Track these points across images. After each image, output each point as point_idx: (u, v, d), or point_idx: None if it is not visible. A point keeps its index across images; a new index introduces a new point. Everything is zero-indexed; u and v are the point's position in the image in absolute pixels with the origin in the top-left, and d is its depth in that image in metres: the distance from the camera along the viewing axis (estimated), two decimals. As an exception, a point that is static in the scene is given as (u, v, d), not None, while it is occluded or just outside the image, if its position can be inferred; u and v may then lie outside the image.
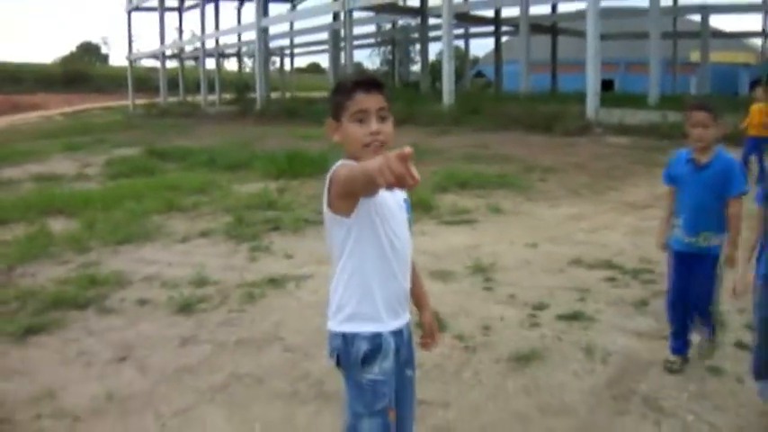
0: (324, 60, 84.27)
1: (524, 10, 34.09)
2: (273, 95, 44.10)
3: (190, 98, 54.90)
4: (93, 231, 9.18)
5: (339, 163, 2.76)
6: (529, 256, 8.01)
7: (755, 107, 13.93)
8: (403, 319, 2.97)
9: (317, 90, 54.67)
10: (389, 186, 2.22)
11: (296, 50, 62.61)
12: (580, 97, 24.58)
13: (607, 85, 27.94)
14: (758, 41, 41.95)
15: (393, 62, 55.91)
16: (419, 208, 9.59)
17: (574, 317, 5.83)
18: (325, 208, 2.81)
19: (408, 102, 26.75)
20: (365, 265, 2.86)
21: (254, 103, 40.58)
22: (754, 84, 39.38)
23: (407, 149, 2.16)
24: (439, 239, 8.62)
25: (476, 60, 64.09)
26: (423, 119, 24.63)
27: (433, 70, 43.35)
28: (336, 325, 2.93)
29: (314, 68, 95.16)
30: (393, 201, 2.88)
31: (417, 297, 3.22)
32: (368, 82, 2.87)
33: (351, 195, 2.67)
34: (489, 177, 13.38)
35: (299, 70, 75.16)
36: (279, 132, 25.83)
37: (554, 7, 40.15)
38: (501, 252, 7.95)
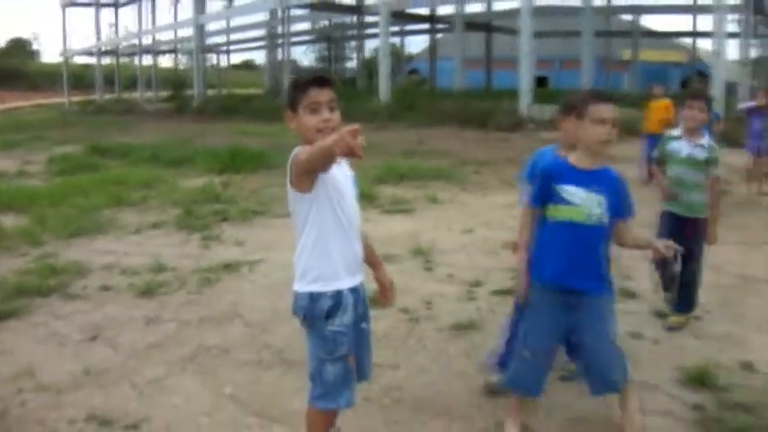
0: (258, 57, 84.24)
1: (459, 8, 34.71)
2: (210, 92, 44.07)
3: (126, 95, 54.52)
4: (45, 226, 9.43)
5: (297, 149, 3.25)
6: (465, 240, 8.63)
7: (655, 104, 14.00)
8: (358, 278, 3.50)
9: (252, 87, 54.70)
10: (343, 155, 2.84)
11: (232, 47, 62.37)
12: (514, 94, 25.25)
13: (541, 82, 28.65)
14: (688, 41, 43.13)
15: (329, 59, 56.13)
16: (361, 199, 10.06)
17: (506, 292, 6.30)
18: (288, 188, 3.30)
19: (345, 98, 26.44)
20: (325, 234, 3.35)
21: (191, 101, 40.61)
22: (685, 82, 40.63)
23: (356, 126, 2.78)
24: (381, 227, 9.12)
25: (410, 57, 64.64)
26: (360, 115, 24.85)
27: (369, 67, 43.79)
28: (303, 286, 3.41)
29: (248, 65, 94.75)
30: (343, 177, 3.41)
31: (370, 258, 3.70)
32: (320, 79, 3.35)
33: (311, 172, 3.16)
34: (426, 170, 14.04)
35: (234, 67, 74.79)
36: (218, 129, 26.13)
37: (488, 5, 40.80)
38: (439, 237, 8.49)
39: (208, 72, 48.05)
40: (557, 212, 3.94)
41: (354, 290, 3.46)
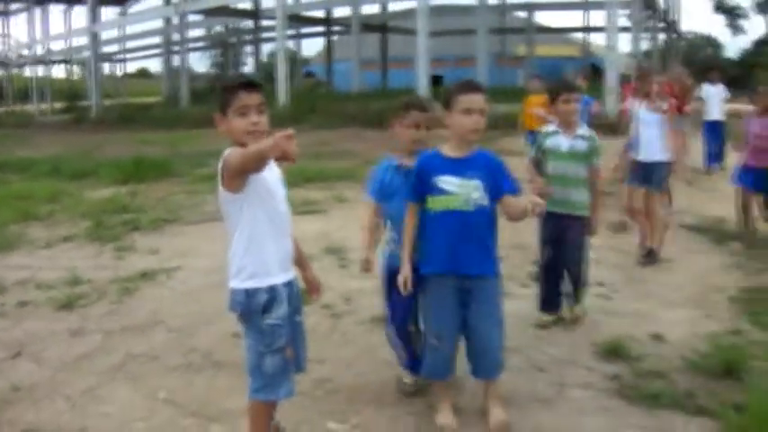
0: (152, 65, 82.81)
1: (356, 10, 34.92)
2: (107, 102, 43.29)
3: (18, 108, 53.02)
4: (-52, 244, 9.20)
5: (228, 151, 3.45)
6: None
7: (533, 99, 12.91)
8: (291, 273, 3.73)
9: (149, 95, 53.84)
10: (278, 159, 3.18)
11: (127, 56, 61.26)
12: (410, 93, 25.55)
13: (436, 81, 29.09)
14: (580, 36, 44.30)
15: (224, 64, 55.73)
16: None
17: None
18: (220, 189, 3.49)
19: None
20: (258, 232, 3.56)
21: (88, 111, 39.78)
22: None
23: (290, 131, 3.03)
24: (294, 228, 9.05)
25: (306, 60, 64.59)
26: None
27: (265, 71, 43.64)
28: (239, 283, 3.58)
29: (143, 74, 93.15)
30: (273, 178, 3.63)
31: (298, 259, 3.93)
32: (249, 83, 3.54)
33: (243, 173, 3.37)
34: (332, 172, 14.24)
35: (130, 76, 73.45)
36: (118, 139, 25.65)
37: (384, 6, 41.11)
38: (350, 235, 8.66)
39: (104, 81, 47.12)
40: (435, 203, 4.12)
41: (288, 284, 3.67)
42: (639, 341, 5.38)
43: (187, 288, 7.03)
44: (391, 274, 4.43)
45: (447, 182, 4.08)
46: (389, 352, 4.82)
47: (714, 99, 15.45)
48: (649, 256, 7.78)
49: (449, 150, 4.18)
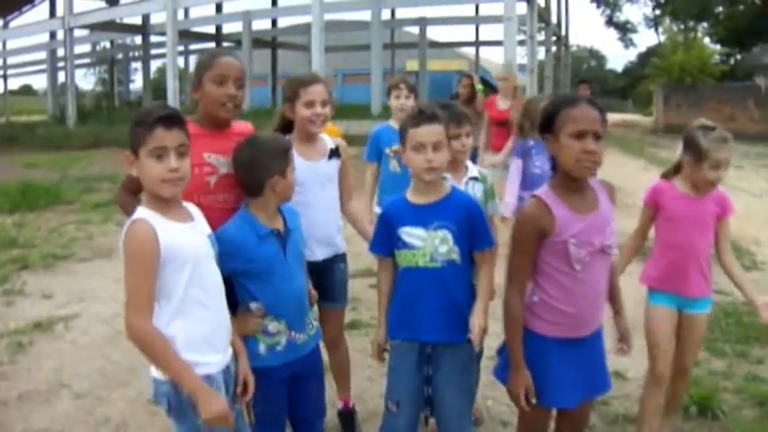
0: (36, 81, 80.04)
1: (247, 25, 34.33)
2: (-14, 121, 41.40)
3: None
4: None
5: (134, 222, 2.87)
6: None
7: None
8: (228, 354, 3.13)
9: (33, 113, 51.83)
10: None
11: (9, 72, 58.81)
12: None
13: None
14: (471, 50, 44.62)
15: (111, 81, 54.11)
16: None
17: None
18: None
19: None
20: (182, 309, 2.93)
21: (-35, 131, 37.86)
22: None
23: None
24: None
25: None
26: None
27: (154, 88, 42.53)
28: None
29: (26, 90, 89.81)
30: (197, 240, 3.03)
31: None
32: (168, 117, 2.92)
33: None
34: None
35: (12, 93, 70.68)
36: (-1, 162, 24.33)
37: (274, 22, 40.63)
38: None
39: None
40: (400, 259, 3.61)
41: (226, 369, 3.08)
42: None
43: (90, 340, 6.30)
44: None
45: (410, 233, 3.55)
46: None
47: None
48: None
49: (413, 194, 3.63)
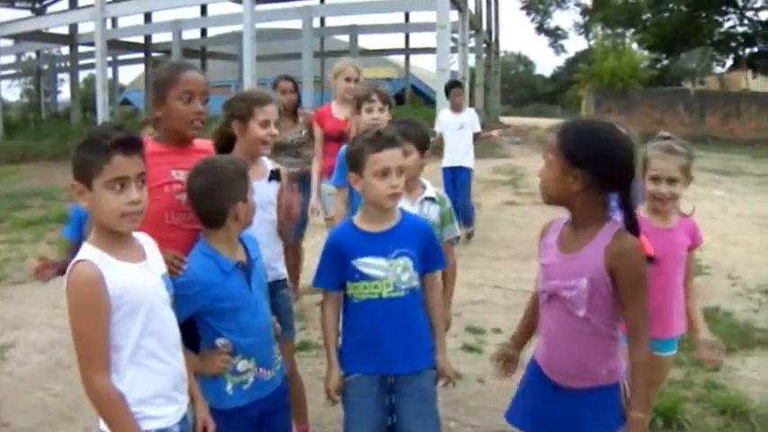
0: (-43, 93, 77.54)
1: (177, 35, 33.94)
2: None
3: None
4: None
5: (78, 264, 2.58)
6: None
7: None
8: (184, 403, 2.89)
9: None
10: None
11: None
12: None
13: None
14: (401, 57, 44.67)
15: (38, 93, 52.94)
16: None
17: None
18: None
19: (61, 136, 24.49)
20: (132, 358, 2.68)
21: None
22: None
23: None
24: None
25: (122, 87, 62.14)
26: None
27: (82, 99, 41.75)
28: None
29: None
30: (149, 283, 2.76)
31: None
32: (128, 142, 2.61)
33: None
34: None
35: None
36: None
37: (204, 31, 40.23)
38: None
39: None
40: (357, 291, 3.42)
41: (183, 420, 2.84)
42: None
43: (28, 371, 6.02)
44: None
45: (369, 264, 3.39)
46: None
47: (454, 134, 10.88)
48: None
49: (365, 222, 3.48)
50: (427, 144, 4.19)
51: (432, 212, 4.15)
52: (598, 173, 2.84)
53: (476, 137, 11.08)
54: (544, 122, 32.94)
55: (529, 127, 28.51)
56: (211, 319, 3.26)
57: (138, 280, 2.67)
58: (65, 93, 50.61)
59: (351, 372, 3.52)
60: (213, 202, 3.24)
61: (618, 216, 2.95)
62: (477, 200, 13.09)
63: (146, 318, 2.67)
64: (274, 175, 4.15)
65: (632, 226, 2.91)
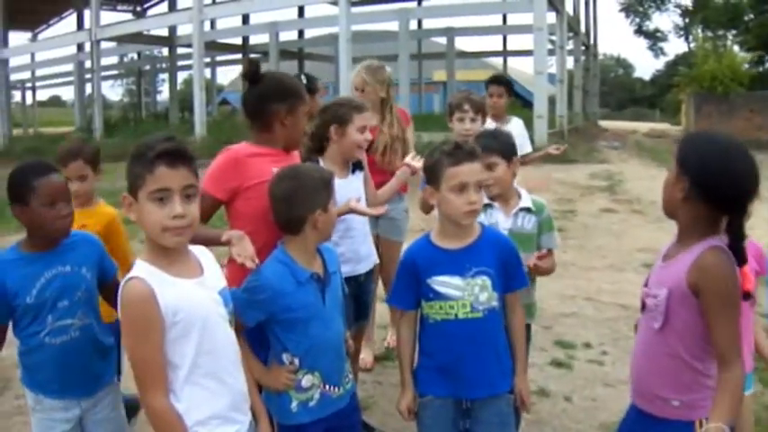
0: (65, 93, 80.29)
1: (274, 36, 34.30)
2: (16, 132, 41.47)
3: None
4: None
5: (128, 281, 2.52)
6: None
7: None
8: (245, 424, 2.81)
9: (62, 125, 51.93)
10: None
11: (38, 83, 59.02)
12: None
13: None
14: (498, 60, 44.29)
15: (139, 93, 54.30)
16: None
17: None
18: None
19: None
20: (188, 377, 2.66)
21: (-6, 142, 37.93)
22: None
23: None
24: None
25: (221, 88, 63.32)
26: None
27: (181, 99, 42.54)
28: None
29: (55, 102, 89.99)
30: (204, 298, 2.68)
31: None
32: (173, 152, 2.55)
33: None
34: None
35: (41, 104, 70.89)
36: (26, 174, 24.14)
37: (301, 33, 40.59)
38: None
39: (13, 110, 45.12)
40: (432, 311, 3.29)
41: None
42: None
43: None
44: None
45: (445, 283, 3.22)
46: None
47: None
48: None
49: (442, 238, 3.32)
50: (514, 151, 3.99)
51: (527, 223, 3.98)
52: (702, 182, 2.65)
53: (524, 161, 6.28)
54: (643, 126, 32.20)
55: (627, 131, 27.87)
56: (280, 329, 3.18)
57: (192, 296, 2.59)
58: (164, 93, 51.76)
59: (425, 393, 3.37)
60: (292, 208, 3.19)
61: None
62: (573, 206, 12.73)
63: (201, 336, 2.59)
64: (357, 166, 4.31)
65: (736, 251, 2.66)
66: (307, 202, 3.19)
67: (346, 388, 3.39)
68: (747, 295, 2.75)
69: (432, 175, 3.32)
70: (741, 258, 2.67)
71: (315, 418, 3.25)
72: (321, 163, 4.16)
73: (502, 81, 7.23)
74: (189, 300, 2.57)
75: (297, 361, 3.20)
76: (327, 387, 3.27)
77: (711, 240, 2.68)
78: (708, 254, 2.64)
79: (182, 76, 47.70)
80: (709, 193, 2.65)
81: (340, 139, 4.12)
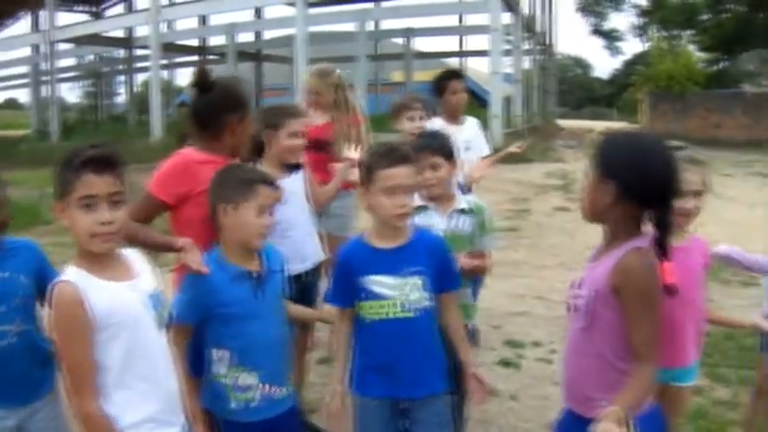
0: (22, 95, 79.12)
1: (231, 38, 34.21)
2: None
3: None
4: None
5: (63, 281, 2.52)
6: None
7: None
8: (178, 426, 2.78)
9: (18, 128, 51.30)
10: None
11: (-7, 85, 58.13)
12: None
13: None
14: (456, 60, 44.45)
15: (97, 95, 53.73)
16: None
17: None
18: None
19: (116, 138, 24.80)
20: (114, 379, 2.62)
21: (-54, 147, 37.40)
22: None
23: None
24: None
25: (179, 90, 62.81)
26: (133, 155, 23.47)
27: (139, 101, 42.26)
28: None
29: (12, 104, 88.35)
30: (137, 301, 2.65)
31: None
32: (100, 159, 2.52)
33: None
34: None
35: (-4, 107, 69.79)
36: (-22, 179, 23.84)
37: (258, 34, 40.47)
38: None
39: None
40: (366, 311, 3.25)
41: None
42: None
43: None
44: None
45: (377, 282, 3.21)
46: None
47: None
48: None
49: (376, 238, 3.29)
50: (453, 151, 3.94)
51: (464, 225, 3.90)
52: (629, 184, 2.64)
53: (487, 162, 6.33)
54: (600, 125, 32.47)
55: (584, 130, 28.10)
56: (217, 323, 3.17)
57: (122, 299, 2.57)
58: (123, 95, 51.32)
59: (361, 394, 3.35)
60: (210, 196, 3.31)
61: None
62: (527, 205, 12.83)
63: (131, 338, 2.56)
64: (293, 167, 4.42)
65: (661, 247, 2.67)
66: (217, 192, 3.27)
67: (290, 389, 3.38)
68: (671, 289, 2.75)
69: (365, 175, 3.28)
70: (666, 253, 2.67)
71: (260, 417, 3.22)
72: (260, 165, 4.22)
73: (461, 75, 6.65)
74: (118, 302, 2.56)
75: (227, 354, 3.18)
76: (269, 388, 3.23)
77: (636, 241, 2.71)
78: (630, 255, 2.65)
79: (140, 77, 47.40)
80: (639, 192, 2.65)
81: (273, 143, 4.28)
